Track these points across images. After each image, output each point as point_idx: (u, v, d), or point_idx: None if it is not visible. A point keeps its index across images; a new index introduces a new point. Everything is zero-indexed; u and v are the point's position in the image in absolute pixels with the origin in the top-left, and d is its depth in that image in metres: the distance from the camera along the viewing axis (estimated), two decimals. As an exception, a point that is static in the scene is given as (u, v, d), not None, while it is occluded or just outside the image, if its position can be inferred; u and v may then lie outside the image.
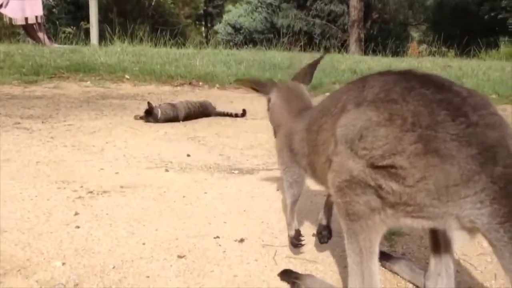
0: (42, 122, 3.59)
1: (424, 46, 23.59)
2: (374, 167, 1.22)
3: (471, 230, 1.20)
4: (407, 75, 1.31)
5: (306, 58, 7.36)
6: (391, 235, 1.81)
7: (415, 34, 24.86)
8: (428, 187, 1.17)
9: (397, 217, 1.25)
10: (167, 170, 2.57)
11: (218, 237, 1.76)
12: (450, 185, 1.16)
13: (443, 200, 1.17)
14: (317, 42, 16.53)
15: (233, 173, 2.56)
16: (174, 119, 3.78)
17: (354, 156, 1.25)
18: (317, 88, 5.28)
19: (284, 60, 7.02)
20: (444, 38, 11.91)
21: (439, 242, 1.47)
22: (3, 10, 8.38)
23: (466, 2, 18.04)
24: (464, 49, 9.37)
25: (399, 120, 1.20)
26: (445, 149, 1.16)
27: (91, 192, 2.20)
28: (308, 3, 18.56)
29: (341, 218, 1.32)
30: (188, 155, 2.85)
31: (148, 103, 3.74)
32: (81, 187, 2.27)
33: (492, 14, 15.87)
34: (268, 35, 19.47)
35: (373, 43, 16.50)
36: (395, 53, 10.30)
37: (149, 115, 3.68)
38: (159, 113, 3.67)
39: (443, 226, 1.22)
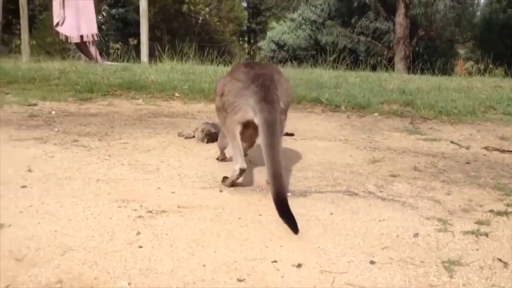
0: (99, 140, 3.72)
1: (471, 63, 23.28)
2: (219, 96, 2.69)
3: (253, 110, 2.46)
4: (246, 63, 2.89)
5: (352, 76, 7.39)
6: (450, 265, 1.80)
7: (461, 51, 24.51)
8: (231, 93, 2.57)
9: (228, 114, 2.60)
10: (221, 191, 2.62)
11: (275, 261, 1.80)
12: (239, 89, 2.53)
13: (239, 97, 2.52)
14: (363, 59, 16.49)
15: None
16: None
17: (216, 97, 2.77)
18: (365, 108, 5.27)
19: (331, 79, 7.04)
20: (493, 56, 11.71)
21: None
22: (59, 29, 8.70)
23: (515, 20, 17.72)
24: (515, 69, 9.19)
25: (227, 76, 2.75)
26: (238, 78, 2.58)
27: (150, 211, 2.28)
28: (353, 21, 18.56)
29: (218, 119, 2.83)
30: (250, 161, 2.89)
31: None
32: (141, 206, 2.34)
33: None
34: (311, 52, 19.57)
35: (419, 60, 16.38)
36: (442, 71, 10.16)
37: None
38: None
39: (249, 115, 2.49)
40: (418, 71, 10.51)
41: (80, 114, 4.82)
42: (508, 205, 2.52)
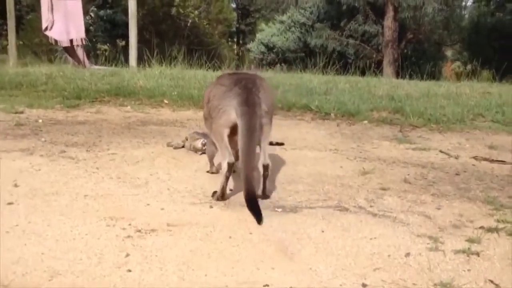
0: (87, 151, 3.67)
1: (458, 63, 23.43)
2: (205, 104, 2.81)
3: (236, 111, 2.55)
4: (230, 73, 2.94)
5: (342, 81, 7.38)
6: (442, 287, 1.79)
7: (449, 52, 24.64)
8: (216, 97, 2.69)
9: (214, 117, 2.70)
10: (211, 207, 2.60)
11: (267, 285, 1.78)
12: (223, 93, 2.65)
13: (223, 99, 2.63)
14: (352, 62, 16.51)
15: (276, 211, 2.58)
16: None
17: (204, 106, 2.88)
18: (355, 116, 5.26)
19: (321, 84, 7.02)
20: (481, 60, 11.80)
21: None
22: (48, 33, 8.62)
23: (503, 24, 17.83)
24: (503, 73, 9.24)
25: (212, 84, 2.89)
26: (222, 83, 2.73)
27: (139, 230, 2.25)
28: (342, 23, 18.59)
29: (206, 127, 2.95)
30: (231, 190, 2.87)
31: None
32: (129, 224, 2.31)
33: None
34: (300, 54, 19.58)
35: (407, 63, 16.43)
36: (430, 74, 10.18)
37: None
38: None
39: (233, 117, 2.57)
40: (407, 76, 10.51)
41: (68, 122, 4.77)
42: (498, 221, 2.52)
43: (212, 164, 3.24)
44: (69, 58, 9.00)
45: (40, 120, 4.77)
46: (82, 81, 6.74)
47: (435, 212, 2.64)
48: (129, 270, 1.85)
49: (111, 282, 1.76)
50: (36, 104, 5.44)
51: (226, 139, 2.67)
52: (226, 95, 2.63)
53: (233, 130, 2.63)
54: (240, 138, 2.54)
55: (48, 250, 2.01)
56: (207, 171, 3.24)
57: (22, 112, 5.06)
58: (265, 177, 2.78)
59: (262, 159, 2.74)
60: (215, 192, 2.74)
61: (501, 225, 2.44)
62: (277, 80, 7.22)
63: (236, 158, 2.70)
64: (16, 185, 2.82)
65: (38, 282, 1.75)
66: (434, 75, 14.01)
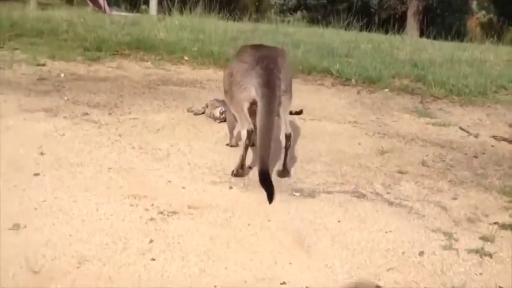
0: (109, 114, 3.72)
1: (483, 12, 22.91)
2: (227, 77, 2.91)
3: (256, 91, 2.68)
4: (251, 45, 3.18)
5: (364, 41, 7.28)
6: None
7: (474, 4, 24.03)
8: (239, 73, 2.77)
9: (235, 92, 2.81)
10: (231, 188, 2.66)
11: (284, 283, 1.85)
12: (245, 70, 2.74)
13: (245, 76, 2.72)
14: (374, 12, 16.20)
15: (294, 195, 2.63)
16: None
17: (224, 79, 2.99)
18: (376, 83, 5.23)
19: (343, 44, 6.95)
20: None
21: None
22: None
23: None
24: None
25: (235, 58, 2.97)
26: (244, 60, 2.79)
27: (161, 212, 2.32)
28: (366, -28, 18.11)
29: (226, 100, 3.03)
30: (250, 167, 2.92)
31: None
32: (152, 205, 2.39)
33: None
34: (322, 1, 19.20)
35: (431, 15, 16.06)
36: (456, 32, 9.98)
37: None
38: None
39: (253, 94, 2.69)
40: (431, 32, 10.32)
41: (89, 78, 4.80)
42: (512, 216, 2.55)
43: (232, 136, 3.28)
44: (90, 3, 8.94)
45: (62, 75, 4.80)
46: (103, 31, 6.72)
47: (451, 203, 2.68)
48: (153, 259, 1.93)
49: (135, 271, 1.84)
50: (58, 56, 5.44)
51: (245, 110, 2.79)
52: (248, 73, 2.72)
53: (252, 104, 2.76)
54: (258, 118, 2.65)
55: (75, 231, 2.09)
56: (227, 144, 3.28)
57: (44, 65, 5.08)
58: (287, 148, 2.87)
59: (284, 129, 2.87)
60: (233, 170, 2.83)
61: (516, 222, 2.48)
62: (297, 38, 7.15)
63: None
64: (42, 153, 2.88)
65: (67, 268, 1.83)
66: (459, 31, 13.77)
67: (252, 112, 2.78)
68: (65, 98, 4.03)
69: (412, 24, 15.51)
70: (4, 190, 2.42)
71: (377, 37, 8.01)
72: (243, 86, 2.74)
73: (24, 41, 6.08)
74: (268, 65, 2.71)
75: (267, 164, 2.59)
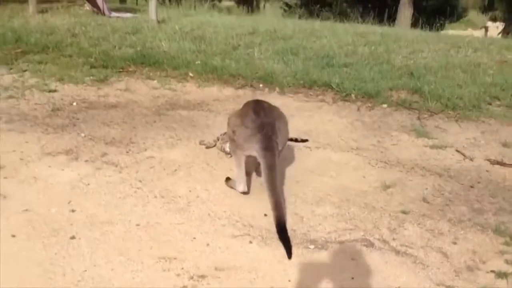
0: (127, 152, 3.95)
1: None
2: (231, 130, 3.32)
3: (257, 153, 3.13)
4: (252, 103, 3.48)
5: (361, 44, 7.45)
6: None
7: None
8: (242, 137, 3.23)
9: (239, 148, 3.29)
10: (251, 242, 2.91)
11: None
12: (247, 136, 3.18)
13: (246, 141, 3.20)
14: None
15: (309, 248, 2.88)
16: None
17: (228, 128, 3.40)
18: (374, 97, 5.45)
19: (340, 49, 7.15)
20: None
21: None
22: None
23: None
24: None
25: (239, 118, 3.31)
26: (246, 124, 3.22)
27: (192, 278, 2.57)
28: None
29: (230, 144, 3.51)
30: (265, 215, 3.17)
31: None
32: (182, 268, 2.63)
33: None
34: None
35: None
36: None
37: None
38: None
39: (253, 153, 3.17)
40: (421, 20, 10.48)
41: (101, 105, 5.00)
42: (508, 262, 2.83)
43: (231, 155, 3.71)
44: (89, 6, 9.03)
45: (75, 103, 5.00)
46: (107, 43, 6.89)
47: (451, 249, 2.95)
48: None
49: None
50: (67, 77, 5.63)
51: (243, 165, 3.35)
52: (249, 139, 3.21)
53: (249, 157, 3.30)
54: (263, 175, 3.06)
55: (119, 307, 2.34)
56: (228, 155, 3.89)
57: (55, 91, 5.27)
58: None
59: None
60: (228, 179, 3.53)
61: (510, 270, 2.75)
62: (296, 43, 7.33)
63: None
64: (72, 210, 3.11)
65: None
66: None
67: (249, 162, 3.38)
68: (82, 135, 4.24)
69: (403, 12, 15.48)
70: (47, 259, 2.65)
71: (373, 36, 8.16)
72: (245, 147, 3.25)
73: (31, 59, 6.26)
74: (267, 133, 3.17)
75: (283, 218, 2.88)
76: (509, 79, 6.05)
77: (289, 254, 2.72)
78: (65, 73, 5.76)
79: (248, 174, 3.48)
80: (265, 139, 3.14)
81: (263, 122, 3.21)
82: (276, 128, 3.23)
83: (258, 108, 3.35)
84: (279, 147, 3.22)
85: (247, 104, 3.48)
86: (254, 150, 3.15)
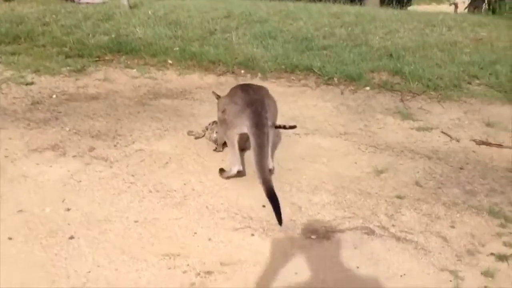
0: (114, 146, 3.87)
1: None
2: (221, 112, 3.41)
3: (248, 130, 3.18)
4: (240, 85, 3.59)
5: (337, 25, 7.44)
6: None
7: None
8: (232, 114, 3.29)
9: (229, 128, 3.33)
10: (252, 235, 2.89)
11: None
12: (237, 111, 3.25)
13: (236, 117, 3.25)
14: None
15: (311, 238, 2.89)
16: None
17: (218, 111, 3.48)
18: (356, 80, 5.46)
19: (318, 33, 7.12)
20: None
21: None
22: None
23: None
24: None
25: (228, 98, 3.45)
26: (235, 101, 3.32)
27: (199, 274, 2.55)
28: None
29: (219, 127, 3.57)
30: (264, 206, 3.15)
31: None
32: (188, 265, 2.61)
33: None
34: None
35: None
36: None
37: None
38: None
39: (244, 130, 3.23)
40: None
41: (81, 96, 4.89)
42: (506, 244, 2.88)
43: (220, 145, 3.82)
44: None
45: (54, 96, 4.87)
46: (80, 31, 6.73)
47: (450, 233, 2.98)
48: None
49: None
50: (43, 69, 5.48)
51: (236, 145, 3.39)
52: (239, 115, 3.26)
53: (241, 136, 3.38)
54: (253, 152, 3.14)
55: (128, 309, 2.30)
56: (213, 150, 3.85)
57: (32, 83, 5.12)
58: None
59: (270, 163, 3.41)
60: (222, 170, 3.51)
61: (509, 252, 2.80)
62: (273, 26, 7.27)
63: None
64: (68, 209, 3.05)
65: None
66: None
67: (240, 139, 3.44)
68: (66, 129, 4.14)
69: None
70: (47, 261, 2.59)
71: (347, 17, 8.15)
72: (235, 124, 3.29)
73: (3, 50, 6.07)
74: (257, 108, 3.22)
75: (271, 184, 3.06)
76: (486, 57, 6.12)
77: (280, 220, 2.93)
78: (40, 64, 5.60)
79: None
80: (255, 115, 3.19)
81: (252, 99, 3.28)
82: (266, 104, 3.29)
83: (246, 87, 3.47)
84: (269, 123, 3.26)
85: (234, 87, 3.58)
86: (245, 126, 3.21)
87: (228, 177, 3.45)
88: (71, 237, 2.80)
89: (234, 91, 3.49)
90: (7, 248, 2.68)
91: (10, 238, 2.76)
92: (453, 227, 3.06)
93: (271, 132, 3.32)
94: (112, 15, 7.60)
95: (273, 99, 3.50)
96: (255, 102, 3.27)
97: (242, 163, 3.47)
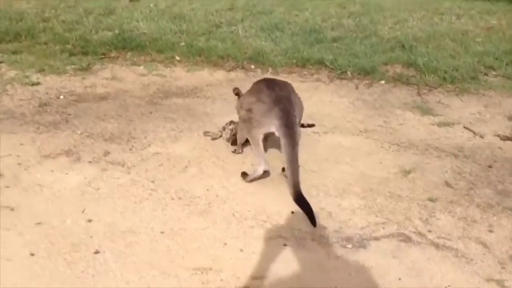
0: (130, 150, 3.72)
1: None
2: (245, 110, 3.25)
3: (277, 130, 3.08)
4: (264, 80, 3.46)
5: (344, 16, 7.29)
6: None
7: None
8: (259, 113, 3.15)
9: (255, 127, 3.18)
10: (285, 245, 2.76)
11: None
12: (265, 111, 3.12)
13: (264, 116, 3.12)
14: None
15: (347, 247, 2.76)
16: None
17: (242, 110, 3.32)
18: (370, 74, 5.31)
19: (326, 24, 6.97)
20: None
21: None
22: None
23: None
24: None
25: (252, 95, 3.28)
26: (262, 99, 3.16)
27: (234, 290, 2.42)
28: None
29: (243, 127, 3.34)
30: (292, 212, 3.03)
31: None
32: (222, 280, 2.48)
33: None
34: None
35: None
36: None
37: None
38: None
39: (272, 129, 3.12)
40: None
41: (89, 97, 4.73)
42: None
43: (239, 146, 3.67)
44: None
45: (62, 97, 4.70)
46: (81, 27, 6.54)
47: (489, 238, 2.87)
48: None
49: None
50: (47, 68, 5.31)
51: (261, 144, 3.25)
52: (267, 114, 3.14)
53: (267, 136, 3.28)
54: (284, 152, 3.06)
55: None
56: (232, 151, 3.69)
57: (38, 83, 4.95)
58: None
59: None
60: (245, 174, 3.35)
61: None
62: (279, 18, 7.12)
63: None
64: (89, 220, 2.90)
65: None
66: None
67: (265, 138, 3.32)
68: (78, 132, 3.99)
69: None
70: (74, 278, 2.46)
71: (353, 6, 8.00)
72: (262, 123, 3.16)
73: (4, 49, 5.89)
74: (285, 106, 3.13)
75: (299, 188, 3.00)
76: (500, 47, 5.99)
77: (313, 221, 2.89)
78: (44, 63, 5.43)
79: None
80: (284, 113, 3.09)
81: (279, 96, 3.17)
82: (293, 101, 3.21)
83: (270, 84, 3.34)
84: (297, 120, 3.19)
85: (257, 83, 3.45)
86: (273, 125, 3.10)
87: (251, 180, 3.31)
88: (96, 252, 2.66)
89: (258, 87, 3.35)
90: (30, 265, 2.55)
91: (32, 254, 2.62)
92: (491, 231, 2.94)
93: (298, 131, 3.20)
94: (113, 9, 7.41)
95: (298, 96, 3.39)
96: (282, 99, 3.16)
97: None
